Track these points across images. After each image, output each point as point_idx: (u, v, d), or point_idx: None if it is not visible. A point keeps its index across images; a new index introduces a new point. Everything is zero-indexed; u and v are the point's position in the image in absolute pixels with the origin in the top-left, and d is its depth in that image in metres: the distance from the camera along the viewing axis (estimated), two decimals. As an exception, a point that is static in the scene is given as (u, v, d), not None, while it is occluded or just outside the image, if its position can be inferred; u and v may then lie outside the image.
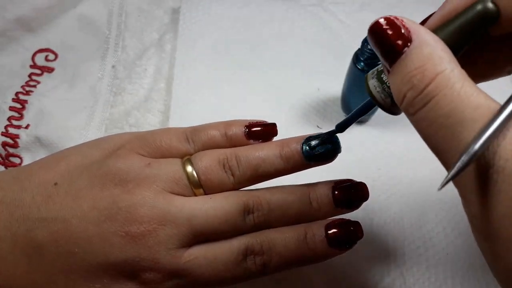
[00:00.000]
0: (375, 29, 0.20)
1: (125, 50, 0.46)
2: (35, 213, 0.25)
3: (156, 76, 0.44)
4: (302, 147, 0.27)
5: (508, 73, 0.24)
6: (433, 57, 0.19)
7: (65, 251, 0.25)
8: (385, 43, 0.20)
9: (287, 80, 0.44)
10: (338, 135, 0.28)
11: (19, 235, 0.25)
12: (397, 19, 0.20)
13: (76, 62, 0.46)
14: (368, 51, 0.35)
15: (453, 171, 0.17)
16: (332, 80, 0.43)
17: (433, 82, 0.18)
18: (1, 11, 0.45)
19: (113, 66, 0.46)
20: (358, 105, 0.39)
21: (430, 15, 0.22)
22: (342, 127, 0.27)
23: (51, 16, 0.47)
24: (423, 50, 0.19)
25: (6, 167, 0.40)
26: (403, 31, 0.19)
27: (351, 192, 0.28)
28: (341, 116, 0.42)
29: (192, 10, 0.47)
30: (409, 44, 0.19)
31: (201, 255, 0.26)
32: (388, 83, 0.22)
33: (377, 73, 0.23)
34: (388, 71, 0.20)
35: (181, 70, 0.44)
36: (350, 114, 0.26)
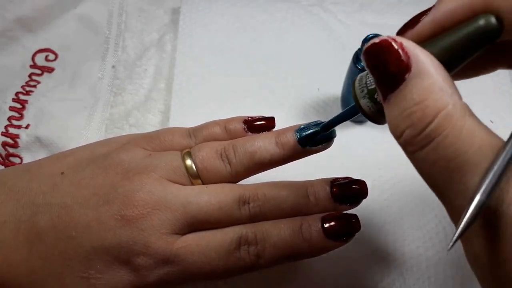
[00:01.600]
0: (371, 51, 0.18)
1: (125, 50, 0.46)
2: (40, 199, 0.26)
3: (156, 76, 0.44)
4: (297, 133, 0.28)
5: (493, 71, 0.23)
6: (434, 89, 0.17)
7: (64, 236, 0.25)
8: (381, 70, 0.18)
9: (287, 80, 0.44)
10: (338, 132, 0.28)
11: (22, 221, 0.26)
12: (395, 41, 0.18)
13: (76, 62, 0.46)
14: (368, 51, 0.35)
15: (461, 227, 0.16)
16: (332, 80, 0.43)
17: (435, 121, 0.17)
18: (1, 11, 0.45)
19: (113, 66, 0.46)
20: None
21: (421, 14, 0.20)
22: (326, 128, 0.26)
23: (51, 16, 0.47)
24: (423, 82, 0.17)
25: (6, 167, 0.40)
26: (402, 56, 0.17)
27: (350, 188, 0.28)
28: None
29: (192, 10, 0.47)
30: (407, 73, 0.17)
31: (194, 242, 0.26)
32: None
33: (368, 92, 0.21)
34: (384, 98, 0.19)
35: (181, 70, 0.44)
36: (335, 116, 0.26)
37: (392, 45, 0.18)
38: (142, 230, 0.25)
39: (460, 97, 0.17)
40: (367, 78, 0.22)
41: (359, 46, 0.36)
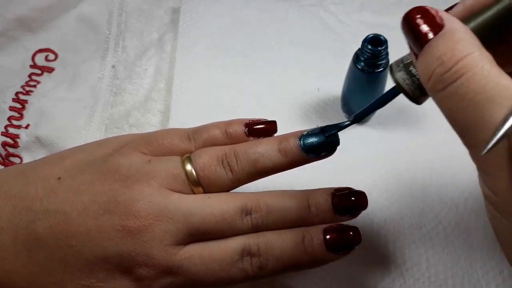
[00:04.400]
0: (409, 15, 0.21)
1: (125, 50, 0.46)
2: (37, 205, 0.26)
3: (156, 76, 0.44)
4: (301, 140, 0.27)
5: None
6: (463, 40, 0.19)
7: (64, 244, 0.25)
8: (417, 28, 0.20)
9: (287, 80, 0.44)
10: (339, 133, 0.28)
11: (20, 227, 0.26)
12: (431, 8, 0.21)
13: (76, 62, 0.46)
14: (368, 51, 0.35)
15: (497, 136, 0.17)
16: (332, 80, 0.43)
17: (463, 60, 0.19)
18: (1, 11, 0.45)
19: (113, 66, 0.46)
20: (358, 105, 0.40)
21: (451, 7, 0.23)
22: (360, 117, 0.27)
23: (51, 16, 0.47)
24: (454, 35, 0.19)
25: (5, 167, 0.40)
26: (436, 18, 0.20)
27: (350, 200, 0.27)
28: (341, 116, 0.42)
29: (192, 10, 0.47)
30: (441, 29, 0.20)
31: (197, 254, 0.26)
32: (418, 75, 0.23)
33: (404, 65, 0.23)
34: (416, 57, 0.21)
35: (181, 70, 0.44)
36: (369, 104, 0.26)
37: (428, 10, 0.20)
38: (144, 241, 0.25)
39: (486, 52, 0.19)
40: (403, 57, 0.24)
41: (359, 46, 0.36)
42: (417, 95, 0.23)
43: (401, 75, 0.23)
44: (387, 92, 0.25)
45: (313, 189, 0.28)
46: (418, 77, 0.22)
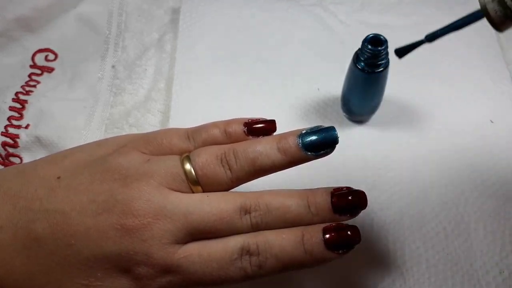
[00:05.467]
0: None
1: (125, 50, 0.46)
2: (37, 205, 0.26)
3: (156, 76, 0.44)
4: (300, 139, 0.27)
5: None
6: None
7: (63, 244, 0.25)
8: None
9: (287, 80, 0.44)
10: (338, 131, 0.27)
11: (19, 227, 0.26)
12: None
13: (76, 62, 0.46)
14: (368, 51, 0.35)
15: None
16: (332, 80, 0.43)
17: None
18: (1, 11, 0.45)
19: (113, 66, 0.46)
20: (358, 105, 0.40)
21: None
22: (433, 37, 0.27)
23: (51, 16, 0.47)
24: None
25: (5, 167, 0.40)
26: None
27: (349, 200, 0.27)
28: (341, 116, 0.42)
29: (192, 10, 0.47)
30: None
31: (196, 252, 0.26)
32: None
33: None
34: None
35: (181, 70, 0.44)
36: (448, 25, 0.26)
37: None
38: (143, 240, 0.25)
39: None
40: None
41: (359, 46, 0.36)
42: (505, 25, 0.23)
43: (493, 7, 0.23)
44: (469, 15, 0.25)
45: (312, 189, 0.28)
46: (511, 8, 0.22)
